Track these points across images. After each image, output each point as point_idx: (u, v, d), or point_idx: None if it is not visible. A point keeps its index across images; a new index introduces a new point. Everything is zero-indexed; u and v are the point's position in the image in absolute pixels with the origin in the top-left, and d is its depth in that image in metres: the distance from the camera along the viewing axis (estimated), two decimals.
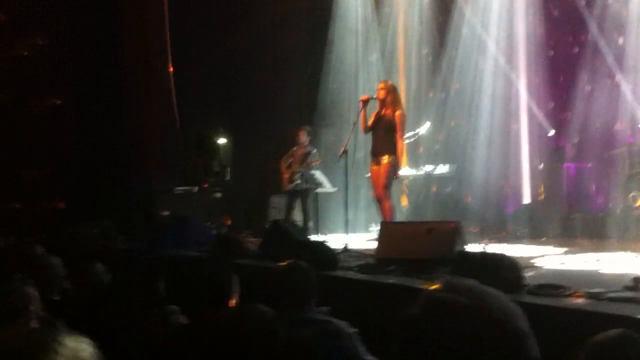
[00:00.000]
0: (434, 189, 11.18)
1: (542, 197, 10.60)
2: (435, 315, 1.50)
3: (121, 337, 3.67)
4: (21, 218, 10.87)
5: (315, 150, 10.95)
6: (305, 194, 10.86)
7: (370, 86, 10.89)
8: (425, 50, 12.45)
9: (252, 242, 8.84)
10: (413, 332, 1.50)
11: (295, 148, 11.05)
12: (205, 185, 12.02)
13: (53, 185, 11.36)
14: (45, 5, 11.48)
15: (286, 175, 10.98)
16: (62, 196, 11.39)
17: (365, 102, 8.48)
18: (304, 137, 10.97)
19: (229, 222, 11.82)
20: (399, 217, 9.37)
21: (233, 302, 4.07)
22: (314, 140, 11.79)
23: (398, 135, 8.30)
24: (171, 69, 11.92)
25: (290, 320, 3.19)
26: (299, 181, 10.79)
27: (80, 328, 3.72)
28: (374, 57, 12.72)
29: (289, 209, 10.98)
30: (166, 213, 10.95)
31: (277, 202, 11.65)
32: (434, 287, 1.56)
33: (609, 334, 2.12)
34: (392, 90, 8.44)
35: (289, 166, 10.97)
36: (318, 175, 10.54)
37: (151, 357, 3.54)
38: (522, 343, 1.48)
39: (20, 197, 11.11)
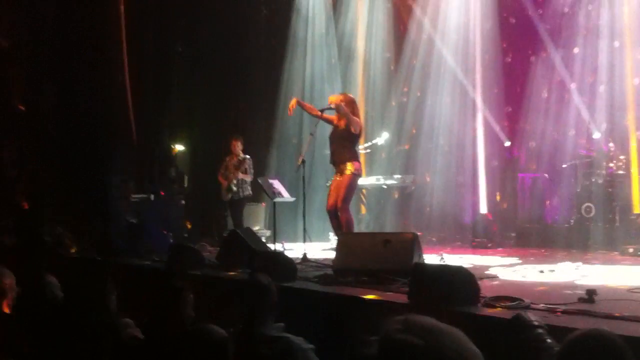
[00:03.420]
0: (392, 198, 11.22)
1: (499, 207, 10.70)
2: (390, 357, 1.49)
3: (74, 351, 3.58)
4: None
5: (248, 157, 10.98)
6: (239, 203, 10.96)
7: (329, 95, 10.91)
8: (384, 58, 12.51)
9: (210, 252, 8.75)
10: None
11: (228, 158, 11.11)
12: (162, 193, 11.86)
13: (19, 186, 11.28)
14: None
15: (224, 185, 11.02)
16: (26, 197, 11.27)
17: (322, 111, 8.44)
18: (238, 147, 11.03)
19: (189, 226, 11.70)
20: (358, 226, 9.36)
21: (188, 315, 4.00)
22: (273, 150, 11.72)
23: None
24: (127, 76, 11.75)
25: (245, 339, 3.14)
26: (235, 189, 10.87)
27: (33, 342, 3.62)
28: (334, 67, 12.74)
29: (233, 218, 10.98)
30: (132, 220, 10.79)
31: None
32: (392, 326, 1.56)
33: (582, 331, 2.24)
34: (350, 102, 8.37)
35: (225, 177, 11.01)
36: (277, 184, 10.51)
37: None
38: None
39: None
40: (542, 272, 6.65)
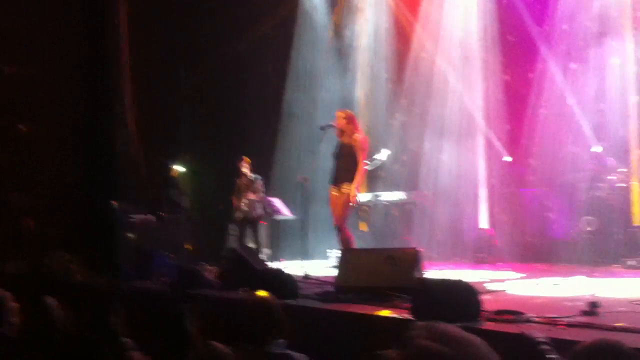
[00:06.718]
0: (393, 214, 11.22)
1: (500, 222, 10.69)
2: None
3: None
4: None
5: (259, 178, 11.01)
6: (256, 222, 10.95)
7: (332, 112, 10.95)
8: (385, 76, 12.57)
9: (211, 271, 8.75)
10: None
11: (239, 179, 11.15)
12: (162, 214, 11.85)
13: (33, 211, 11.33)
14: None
15: (235, 205, 11.06)
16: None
17: (324, 129, 8.51)
18: (245, 167, 11.06)
19: (191, 249, 11.69)
20: (359, 243, 9.36)
21: (192, 335, 4.00)
22: (276, 169, 11.73)
23: (360, 158, 8.17)
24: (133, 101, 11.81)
25: (248, 356, 3.15)
26: (246, 209, 10.85)
27: None
28: (334, 84, 12.80)
29: (241, 237, 11.01)
30: (130, 235, 10.79)
31: (236, 230, 11.59)
32: (417, 332, 1.54)
33: (589, 343, 2.22)
34: (350, 120, 8.42)
35: (238, 197, 11.05)
36: (277, 202, 10.54)
37: None
38: None
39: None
40: (542, 285, 6.66)
